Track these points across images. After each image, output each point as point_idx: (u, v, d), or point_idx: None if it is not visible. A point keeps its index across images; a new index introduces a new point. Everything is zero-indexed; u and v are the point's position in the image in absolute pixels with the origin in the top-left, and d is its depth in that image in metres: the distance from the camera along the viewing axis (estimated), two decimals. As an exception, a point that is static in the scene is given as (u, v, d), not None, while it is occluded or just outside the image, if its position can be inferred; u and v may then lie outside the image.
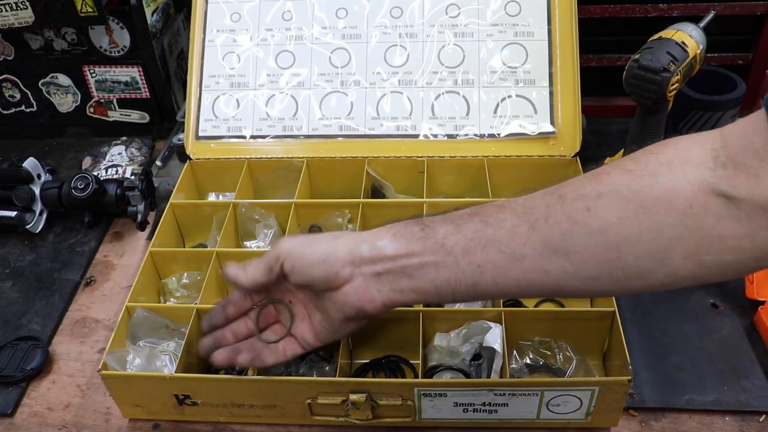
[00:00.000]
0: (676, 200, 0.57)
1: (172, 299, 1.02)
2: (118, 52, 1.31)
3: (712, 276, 0.61)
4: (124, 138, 1.37)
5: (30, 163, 1.17)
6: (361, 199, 1.04)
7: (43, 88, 1.38)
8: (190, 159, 1.15)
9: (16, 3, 1.17)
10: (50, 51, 1.33)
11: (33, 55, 1.33)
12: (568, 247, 0.60)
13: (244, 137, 1.14)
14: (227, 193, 1.15)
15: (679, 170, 0.58)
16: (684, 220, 0.57)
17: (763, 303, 0.94)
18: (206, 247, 1.07)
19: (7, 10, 1.17)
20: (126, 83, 1.34)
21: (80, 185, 1.14)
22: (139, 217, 1.13)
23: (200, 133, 1.15)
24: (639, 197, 0.58)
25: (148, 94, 1.35)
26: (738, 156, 0.55)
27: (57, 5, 1.16)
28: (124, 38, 1.29)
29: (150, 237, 1.16)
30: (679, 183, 0.57)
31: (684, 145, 0.59)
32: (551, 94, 1.11)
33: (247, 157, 1.13)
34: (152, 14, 1.29)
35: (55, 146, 1.43)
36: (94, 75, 1.34)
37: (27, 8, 1.17)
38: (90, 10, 1.16)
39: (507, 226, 0.63)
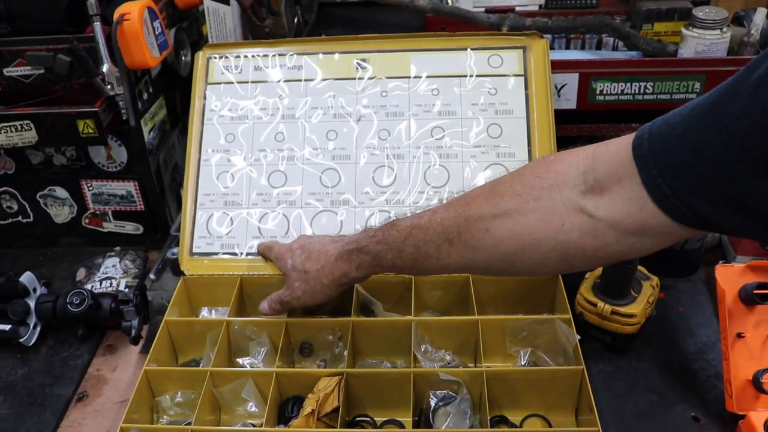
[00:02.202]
0: (553, 220, 0.74)
1: (165, 417, 1.03)
2: (116, 167, 1.36)
3: (579, 270, 0.90)
4: (118, 249, 1.40)
5: (27, 278, 1.20)
6: (352, 318, 1.07)
7: (40, 200, 1.42)
8: (184, 275, 1.18)
9: (21, 125, 1.22)
10: (50, 166, 1.37)
11: (33, 169, 1.38)
12: (476, 256, 0.82)
13: (236, 254, 1.18)
14: (220, 308, 1.18)
15: (557, 194, 0.74)
16: (557, 236, 0.74)
17: (743, 416, 0.97)
18: (199, 362, 1.09)
19: (12, 131, 1.22)
20: (122, 196, 1.39)
21: (76, 300, 1.16)
22: (133, 332, 1.15)
23: (194, 250, 1.19)
24: (524, 219, 0.76)
25: (142, 206, 1.39)
26: (602, 180, 0.70)
27: (60, 127, 1.21)
28: (121, 155, 1.34)
29: (143, 350, 1.18)
30: (556, 205, 0.74)
31: (562, 168, 0.75)
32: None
33: (240, 273, 1.16)
34: (149, 132, 1.34)
35: (49, 256, 1.46)
36: (91, 188, 1.39)
37: (31, 129, 1.22)
38: (91, 131, 1.21)
39: (434, 244, 0.85)
